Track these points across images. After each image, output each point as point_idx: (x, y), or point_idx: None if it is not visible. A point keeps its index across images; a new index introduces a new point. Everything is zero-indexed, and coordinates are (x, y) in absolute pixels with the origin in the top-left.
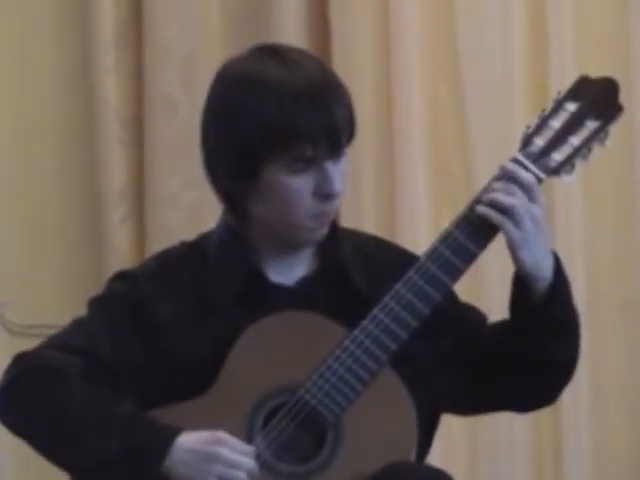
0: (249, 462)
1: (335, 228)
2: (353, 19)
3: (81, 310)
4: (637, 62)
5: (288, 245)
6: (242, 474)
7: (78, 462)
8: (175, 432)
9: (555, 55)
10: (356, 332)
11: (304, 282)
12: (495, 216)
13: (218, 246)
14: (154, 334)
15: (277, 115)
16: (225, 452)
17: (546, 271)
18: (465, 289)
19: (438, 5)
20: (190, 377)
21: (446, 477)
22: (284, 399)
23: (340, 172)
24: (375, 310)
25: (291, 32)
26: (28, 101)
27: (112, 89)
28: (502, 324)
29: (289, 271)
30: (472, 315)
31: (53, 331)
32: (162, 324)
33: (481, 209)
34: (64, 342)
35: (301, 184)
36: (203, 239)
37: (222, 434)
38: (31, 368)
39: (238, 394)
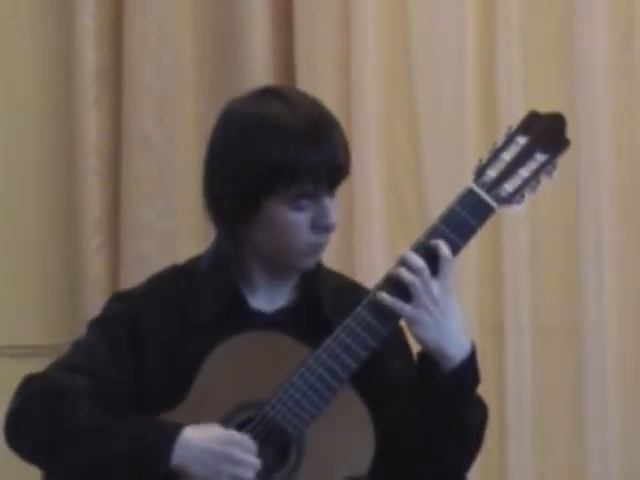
0: (257, 461)
1: (318, 265)
2: (317, 65)
3: (58, 331)
4: (581, 95)
5: (279, 271)
6: (251, 473)
7: (93, 473)
8: (178, 427)
9: (504, 95)
10: (319, 351)
11: (282, 311)
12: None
13: (206, 270)
14: (144, 349)
15: (282, 155)
16: (239, 453)
17: (453, 354)
18: None
19: (395, 49)
20: (168, 390)
21: None
22: (251, 414)
23: (335, 206)
24: (337, 330)
25: (259, 71)
26: (14, 134)
27: (92, 125)
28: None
29: (271, 300)
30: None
31: (30, 352)
32: (151, 341)
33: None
34: (69, 363)
35: (301, 218)
36: (193, 263)
37: (234, 433)
38: (39, 391)
39: (207, 408)
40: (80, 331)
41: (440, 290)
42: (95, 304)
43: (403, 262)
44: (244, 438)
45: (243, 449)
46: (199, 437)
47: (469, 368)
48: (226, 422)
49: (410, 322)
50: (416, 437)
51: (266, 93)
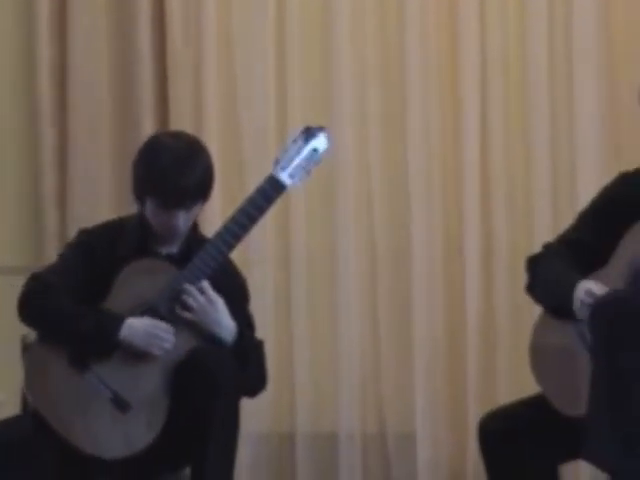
0: (172, 338)
1: (196, 231)
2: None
3: (24, 255)
4: (337, 101)
5: None
6: (169, 344)
7: (67, 336)
8: (122, 317)
9: (291, 109)
10: (185, 271)
11: (170, 255)
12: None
13: (134, 223)
14: (95, 268)
15: (146, 178)
16: (161, 332)
17: (224, 336)
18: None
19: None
20: (103, 293)
21: (224, 355)
22: (145, 308)
23: (185, 215)
24: (200, 253)
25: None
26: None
27: (49, 134)
28: None
29: (168, 248)
30: None
31: None
32: (99, 264)
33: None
34: (56, 269)
35: (158, 216)
36: (130, 217)
37: (159, 322)
38: (37, 285)
39: (121, 303)
40: (38, 253)
41: (207, 303)
42: (47, 230)
43: (187, 293)
44: (165, 325)
45: (165, 331)
46: (138, 322)
47: (242, 340)
48: (132, 312)
49: (198, 322)
50: None
51: (164, 135)
